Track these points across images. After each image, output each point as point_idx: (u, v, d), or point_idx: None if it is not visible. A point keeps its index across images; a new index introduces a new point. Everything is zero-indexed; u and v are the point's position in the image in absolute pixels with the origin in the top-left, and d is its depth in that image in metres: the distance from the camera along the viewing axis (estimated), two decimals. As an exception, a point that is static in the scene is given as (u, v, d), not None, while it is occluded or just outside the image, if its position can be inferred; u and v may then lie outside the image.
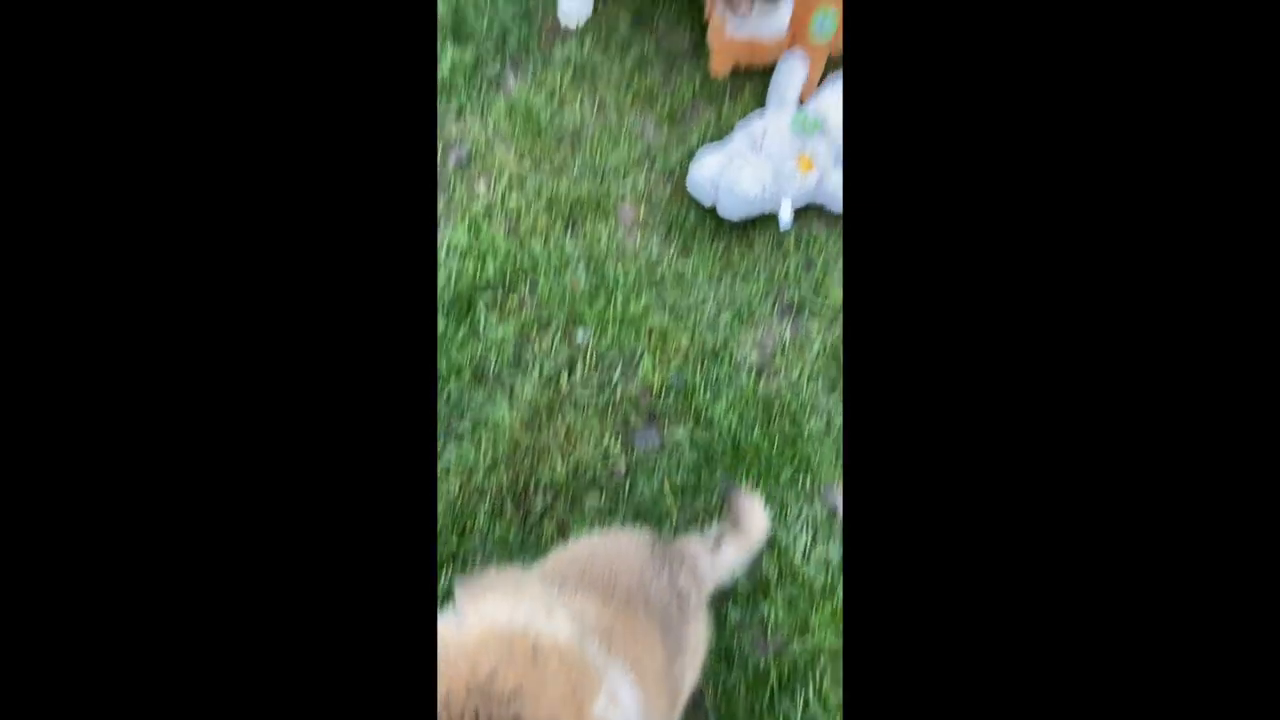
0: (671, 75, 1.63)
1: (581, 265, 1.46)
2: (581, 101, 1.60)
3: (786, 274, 1.46)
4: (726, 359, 1.38)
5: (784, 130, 1.44)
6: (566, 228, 1.50)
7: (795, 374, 1.37)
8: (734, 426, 1.32)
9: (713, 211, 1.47)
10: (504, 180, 1.53)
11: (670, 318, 1.41)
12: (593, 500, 1.27)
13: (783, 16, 1.53)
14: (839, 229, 1.49)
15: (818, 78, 1.56)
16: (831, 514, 1.27)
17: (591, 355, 1.38)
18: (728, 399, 1.34)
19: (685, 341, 1.39)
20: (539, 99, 1.60)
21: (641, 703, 0.67)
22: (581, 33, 1.68)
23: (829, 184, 1.45)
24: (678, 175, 1.52)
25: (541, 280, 1.44)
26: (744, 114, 1.57)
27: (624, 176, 1.53)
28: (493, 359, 1.37)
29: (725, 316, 1.42)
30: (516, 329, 1.40)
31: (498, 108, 1.59)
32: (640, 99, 1.60)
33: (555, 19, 1.69)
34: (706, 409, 1.33)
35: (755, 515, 1.08)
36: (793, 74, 1.51)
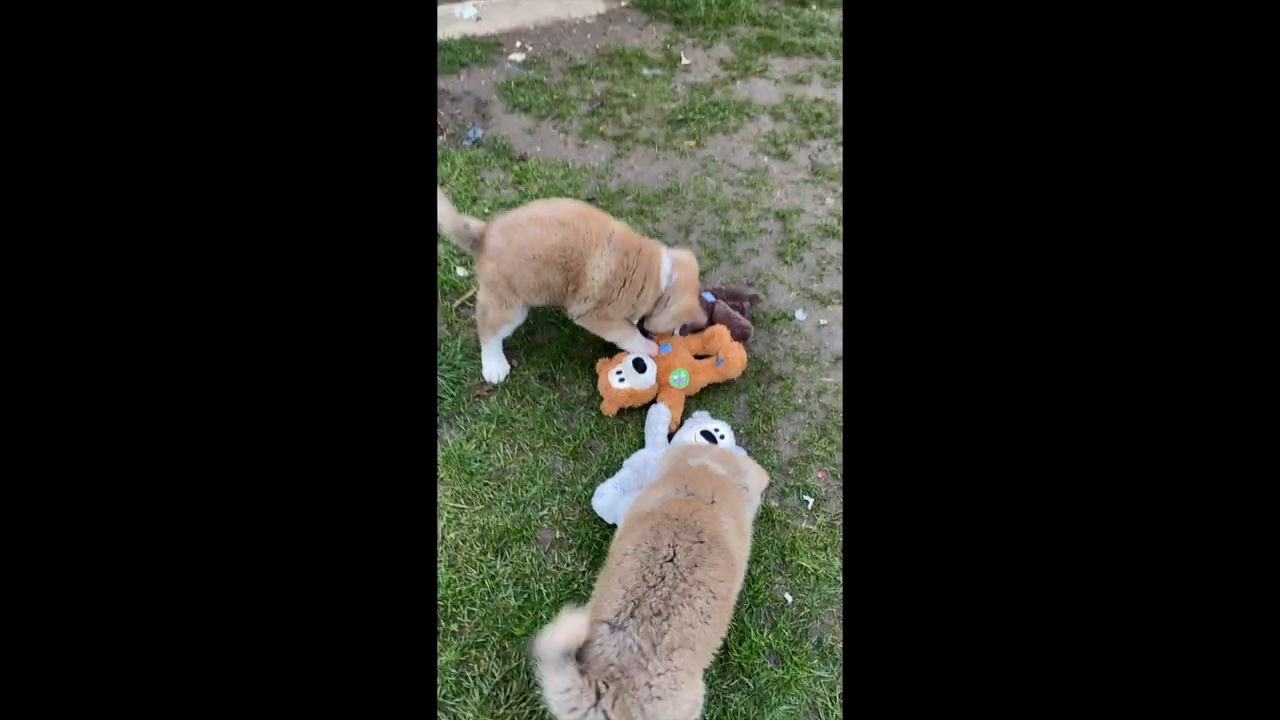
0: (572, 420, 2.14)
1: (511, 586, 1.76)
2: (504, 446, 2.05)
3: (677, 574, 1.82)
4: (637, 658, 1.66)
5: (659, 463, 1.92)
6: (497, 554, 1.83)
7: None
8: (649, 723, 1.56)
9: (615, 527, 1.86)
10: (443, 518, 1.88)
11: (588, 626, 1.71)
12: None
13: (651, 375, 2.12)
14: (713, 531, 1.91)
15: (679, 417, 2.11)
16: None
17: (523, 671, 1.62)
18: (642, 696, 1.60)
19: (602, 646, 1.67)
20: (470, 447, 2.04)
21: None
22: (500, 391, 2.19)
23: (700, 497, 1.91)
24: (584, 500, 1.93)
25: (478, 605, 1.72)
26: (629, 446, 2.06)
27: (541, 506, 1.93)
28: (438, 686, 1.58)
29: (632, 618, 1.73)
30: (457, 654, 1.63)
31: (438, 457, 2.00)
32: (550, 441, 2.08)
33: (481, 382, 2.21)
34: (625, 709, 1.57)
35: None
36: (661, 417, 2.05)
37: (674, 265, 2.10)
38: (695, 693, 1.30)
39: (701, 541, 1.40)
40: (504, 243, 2.02)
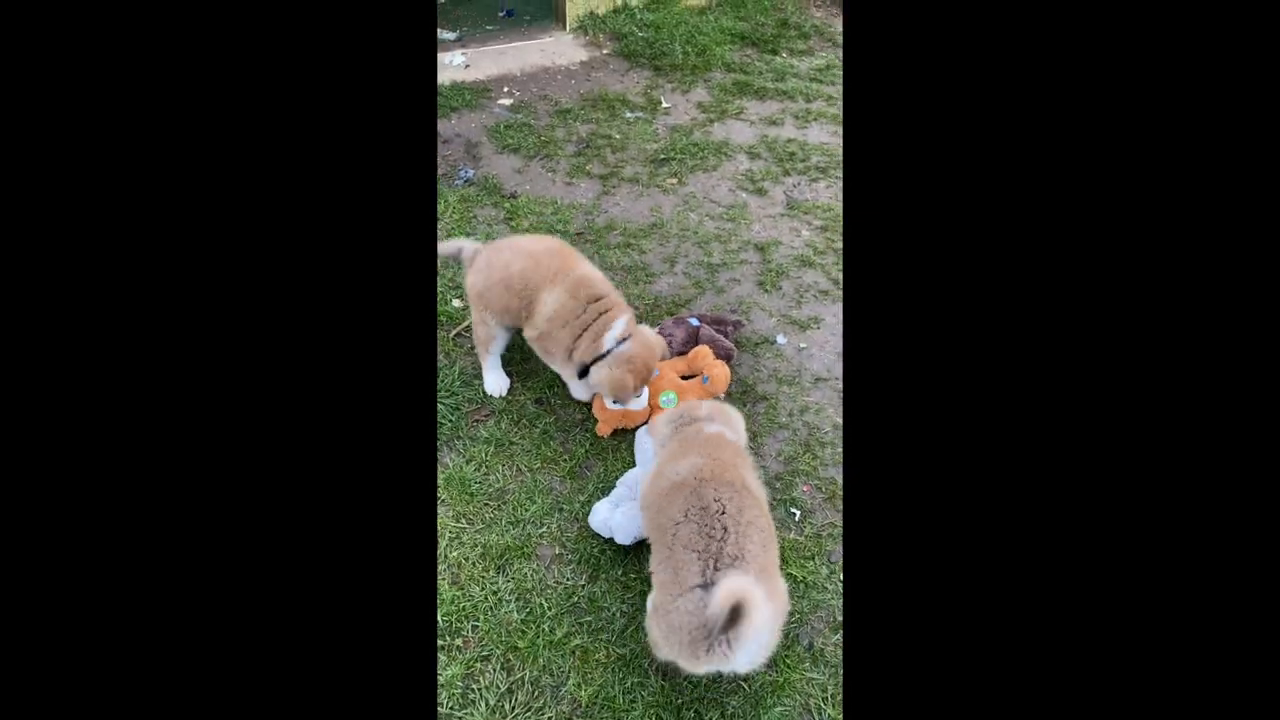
0: (569, 442, 2.23)
1: (513, 601, 1.82)
2: (502, 468, 2.13)
3: (673, 585, 1.90)
4: (637, 668, 1.72)
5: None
6: (499, 571, 1.89)
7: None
8: (651, 728, 1.61)
9: (611, 541, 1.94)
10: (445, 537, 1.94)
11: (589, 636, 1.77)
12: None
13: (643, 398, 2.22)
14: (705, 543, 1.99)
15: (672, 436, 2.21)
16: (740, 795, 1.53)
17: (528, 682, 1.67)
18: (643, 704, 1.66)
19: (603, 656, 1.73)
20: (469, 469, 2.11)
21: None
22: (498, 415, 2.28)
23: (692, 512, 2.00)
24: (582, 517, 2.01)
25: (481, 620, 1.77)
26: (624, 465, 2.15)
27: (540, 524, 2.00)
28: (444, 699, 1.62)
29: (632, 629, 1.79)
30: (463, 668, 1.68)
31: (438, 479, 2.07)
32: (547, 461, 2.16)
33: (478, 406, 2.29)
34: (626, 714, 1.63)
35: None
36: (647, 437, 2.15)
37: (633, 340, 2.08)
38: (779, 596, 1.53)
39: (739, 491, 1.58)
40: (484, 262, 2.22)
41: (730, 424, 1.83)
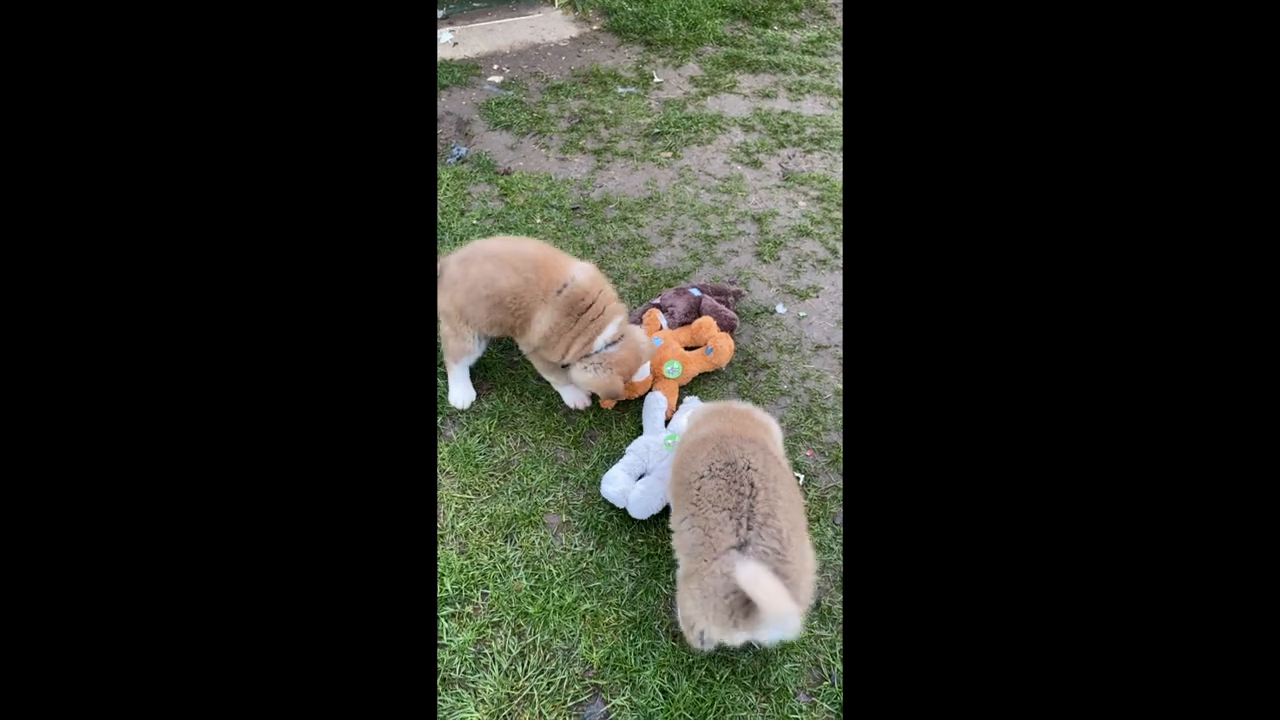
0: (572, 412, 2.23)
1: (522, 569, 1.83)
2: (506, 440, 2.13)
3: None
4: (648, 630, 1.74)
5: (659, 448, 2.02)
6: (506, 539, 1.89)
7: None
8: (664, 686, 1.63)
9: (614, 508, 1.94)
10: (451, 509, 1.94)
11: (598, 601, 1.78)
12: (557, 781, 1.47)
13: (645, 369, 2.22)
14: (711, 509, 2.00)
15: (674, 403, 2.22)
16: (753, 749, 1.55)
17: (539, 646, 1.68)
18: (654, 664, 1.67)
19: (613, 619, 1.75)
20: (473, 441, 2.11)
21: None
22: (500, 388, 2.27)
23: (697, 478, 2.00)
24: (588, 485, 2.02)
25: (491, 587, 1.78)
26: (627, 434, 2.16)
27: (547, 493, 2.00)
28: (456, 664, 1.63)
29: (640, 592, 1.81)
30: (474, 634, 1.69)
31: (442, 452, 2.06)
32: (551, 432, 2.16)
33: (480, 382, 2.29)
34: (637, 675, 1.65)
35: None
36: (657, 405, 2.15)
37: (623, 344, 2.04)
38: (809, 550, 1.51)
39: (762, 449, 1.57)
40: (460, 275, 2.03)
41: (765, 419, 1.77)
